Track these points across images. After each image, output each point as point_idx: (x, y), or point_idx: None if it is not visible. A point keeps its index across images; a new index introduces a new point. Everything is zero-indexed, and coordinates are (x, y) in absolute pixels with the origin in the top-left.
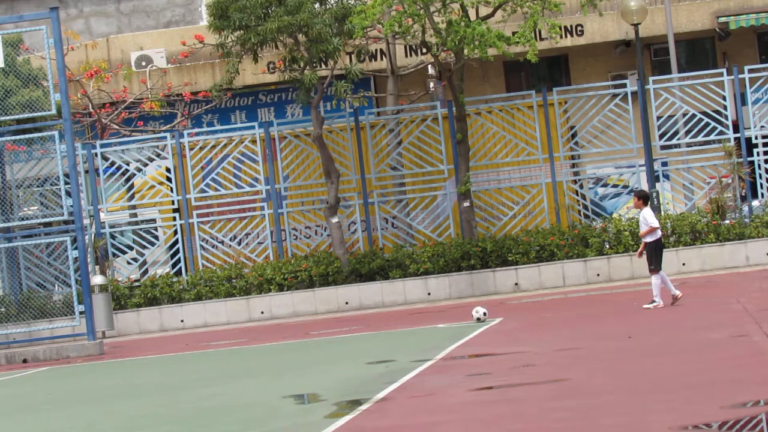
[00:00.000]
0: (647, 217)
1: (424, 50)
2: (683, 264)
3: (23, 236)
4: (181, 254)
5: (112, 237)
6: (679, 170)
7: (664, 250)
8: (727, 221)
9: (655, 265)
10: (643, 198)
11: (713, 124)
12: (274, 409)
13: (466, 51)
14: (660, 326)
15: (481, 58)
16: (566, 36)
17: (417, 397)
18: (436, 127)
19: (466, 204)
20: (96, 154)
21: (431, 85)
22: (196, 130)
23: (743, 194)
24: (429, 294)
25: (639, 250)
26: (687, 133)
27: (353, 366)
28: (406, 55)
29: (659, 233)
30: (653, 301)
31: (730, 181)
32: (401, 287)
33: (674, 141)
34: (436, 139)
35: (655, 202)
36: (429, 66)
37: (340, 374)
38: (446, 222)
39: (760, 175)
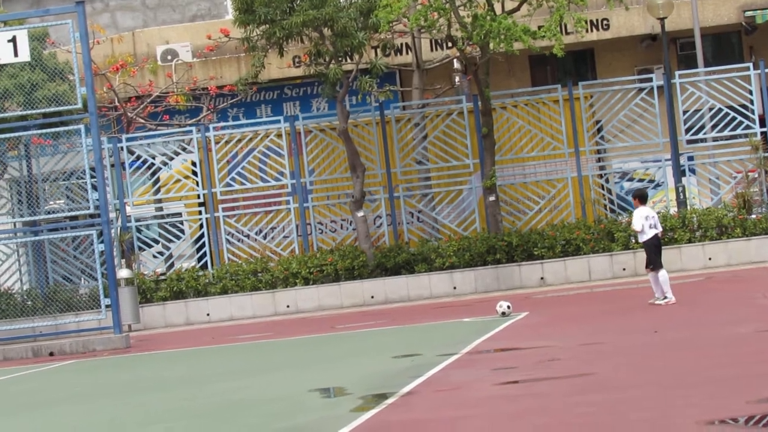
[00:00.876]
0: (634, 218)
1: (450, 44)
2: (709, 259)
3: (49, 230)
4: (206, 248)
5: (138, 231)
6: (706, 165)
7: (662, 248)
8: (753, 216)
9: (652, 264)
10: (638, 197)
11: (739, 118)
12: (300, 403)
13: (491, 45)
14: (685, 321)
15: (506, 52)
16: (592, 30)
17: (442, 392)
18: (461, 121)
19: (492, 198)
20: (122, 148)
21: (457, 79)
22: (222, 124)
23: None
24: (454, 288)
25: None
26: (713, 127)
27: (379, 360)
28: (432, 49)
29: (652, 233)
30: (665, 297)
31: (756, 175)
32: (427, 281)
33: (700, 135)
34: (461, 133)
35: (681, 197)
36: (454, 60)
37: (366, 368)
38: (472, 216)
39: None
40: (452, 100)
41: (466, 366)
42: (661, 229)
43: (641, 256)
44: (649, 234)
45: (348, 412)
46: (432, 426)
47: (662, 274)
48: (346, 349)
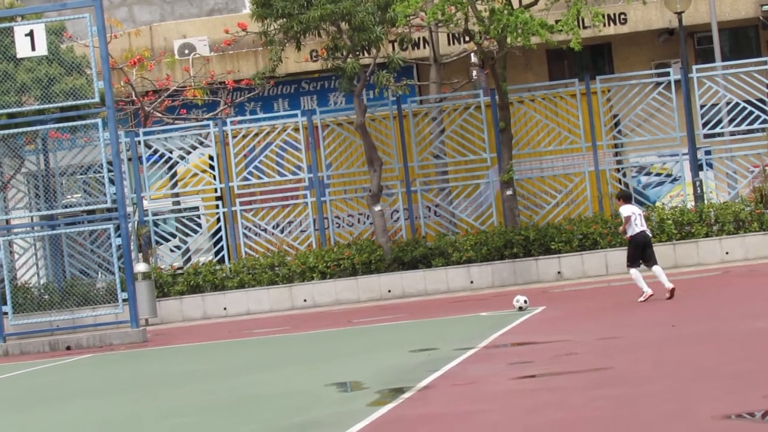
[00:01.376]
0: (623, 210)
1: (467, 38)
2: (726, 253)
3: (67, 224)
4: (224, 242)
5: (155, 225)
6: (723, 159)
7: (638, 249)
8: None
9: (629, 261)
10: (622, 198)
11: (757, 112)
12: (317, 397)
13: (509, 39)
14: (703, 315)
15: (524, 46)
16: (609, 24)
17: (459, 386)
18: (478, 116)
19: (509, 192)
20: (139, 142)
21: (474, 73)
22: (239, 118)
23: None
24: (471, 282)
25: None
26: (730, 121)
27: (396, 354)
28: (449, 43)
29: (633, 231)
30: (643, 292)
31: None
32: (444, 275)
33: (718, 129)
34: (478, 127)
35: (698, 191)
36: (472, 54)
37: (383, 362)
38: (489, 210)
39: None
40: (469, 94)
41: (483, 360)
42: (646, 228)
43: (659, 250)
44: (637, 229)
45: (365, 407)
46: (449, 420)
47: (633, 272)
48: (362, 344)
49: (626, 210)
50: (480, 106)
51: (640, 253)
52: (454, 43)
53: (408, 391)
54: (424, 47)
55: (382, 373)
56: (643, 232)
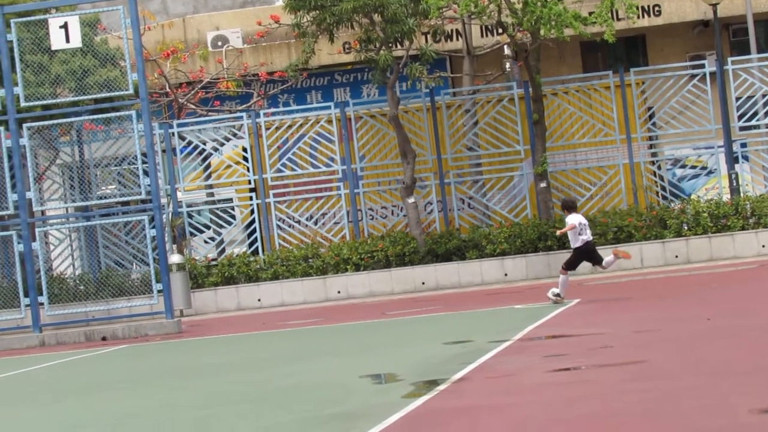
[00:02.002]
0: (568, 221)
1: (500, 30)
2: (763, 246)
3: (101, 215)
4: (257, 233)
5: (189, 216)
6: (759, 151)
7: (582, 257)
8: None
9: (567, 265)
10: (567, 207)
11: None
12: (352, 389)
13: (542, 31)
14: (738, 309)
15: (557, 38)
16: (643, 16)
17: (494, 378)
18: (512, 108)
19: (543, 185)
20: (173, 134)
21: (507, 65)
22: (273, 110)
23: None
24: (506, 275)
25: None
26: (766, 113)
27: (430, 346)
28: (482, 35)
29: (577, 242)
30: (558, 295)
31: None
32: (478, 268)
33: (753, 122)
34: (512, 119)
35: (734, 184)
36: (505, 46)
37: (417, 354)
38: (523, 203)
39: None
40: (503, 87)
41: (518, 353)
42: (590, 237)
43: (694, 243)
44: (579, 242)
45: (399, 399)
46: (484, 413)
47: (564, 279)
48: (397, 336)
49: (572, 219)
50: (513, 98)
51: (583, 260)
52: (487, 35)
53: (443, 383)
54: (457, 39)
55: (417, 365)
56: (588, 242)
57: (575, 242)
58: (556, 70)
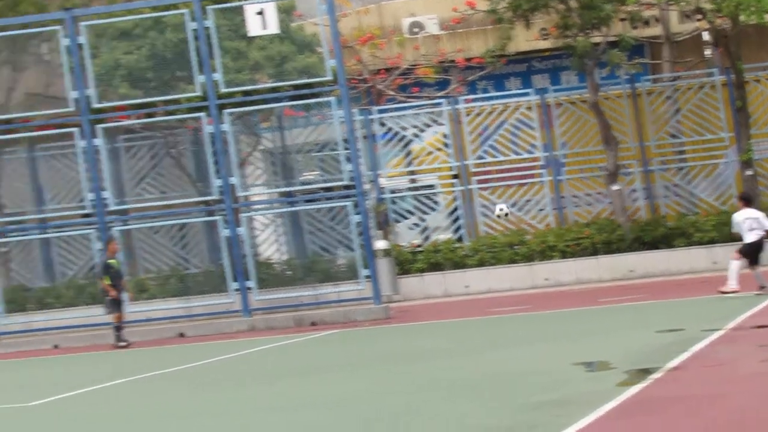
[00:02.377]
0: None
1: (699, 16)
2: None
3: (305, 200)
4: (462, 220)
5: (392, 202)
6: None
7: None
8: None
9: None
10: (743, 199)
11: None
12: (565, 376)
13: (742, 17)
14: None
15: (758, 23)
16: None
17: (709, 367)
18: (714, 95)
19: (749, 172)
20: (373, 120)
21: (707, 51)
22: (472, 96)
23: None
24: (715, 263)
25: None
26: None
27: (642, 334)
28: (681, 21)
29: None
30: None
31: None
32: (686, 255)
33: None
34: (714, 106)
35: None
36: (704, 32)
37: (629, 342)
38: (729, 191)
39: None
40: (703, 73)
41: (731, 342)
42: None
43: None
44: (750, 237)
45: (614, 386)
46: (699, 402)
47: (758, 272)
48: (608, 323)
49: (738, 215)
50: (715, 84)
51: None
52: (685, 21)
53: (656, 371)
54: (655, 25)
55: (629, 353)
56: (751, 243)
57: (746, 237)
58: (756, 56)
